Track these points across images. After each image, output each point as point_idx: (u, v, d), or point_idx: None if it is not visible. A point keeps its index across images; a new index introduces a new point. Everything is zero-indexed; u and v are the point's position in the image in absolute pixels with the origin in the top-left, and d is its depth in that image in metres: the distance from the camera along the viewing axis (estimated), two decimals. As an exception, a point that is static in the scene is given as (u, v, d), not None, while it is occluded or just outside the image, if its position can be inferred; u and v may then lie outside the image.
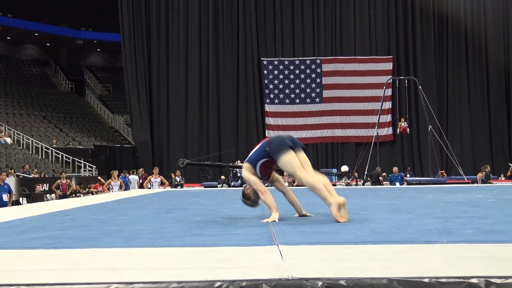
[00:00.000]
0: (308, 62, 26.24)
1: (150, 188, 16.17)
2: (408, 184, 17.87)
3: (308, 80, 26.18)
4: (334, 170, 21.71)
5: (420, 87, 22.11)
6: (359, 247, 2.97)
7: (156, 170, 17.47)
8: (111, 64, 38.25)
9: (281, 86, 26.22)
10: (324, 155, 26.40)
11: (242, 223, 4.55)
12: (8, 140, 24.51)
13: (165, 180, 17.29)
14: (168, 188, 16.34)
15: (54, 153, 24.66)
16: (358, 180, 19.47)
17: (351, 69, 26.00)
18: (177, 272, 2.27)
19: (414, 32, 26.24)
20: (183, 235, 3.77)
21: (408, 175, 22.07)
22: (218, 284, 2.08)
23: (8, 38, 37.02)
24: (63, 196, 15.68)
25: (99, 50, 39.58)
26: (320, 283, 2.08)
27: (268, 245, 3.07)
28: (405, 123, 22.72)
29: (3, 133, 24.88)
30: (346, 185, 17.64)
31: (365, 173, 20.02)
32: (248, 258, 2.65)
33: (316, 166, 25.15)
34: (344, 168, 19.54)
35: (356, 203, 7.07)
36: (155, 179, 16.93)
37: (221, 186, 17.09)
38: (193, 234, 3.80)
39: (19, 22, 35.78)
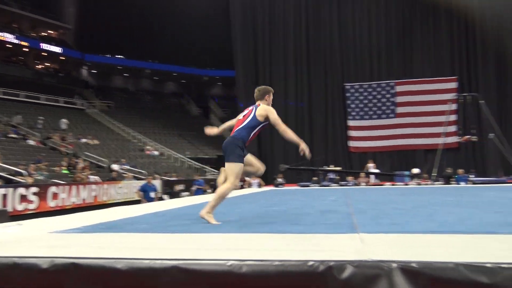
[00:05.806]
0: (383, 85, 25.33)
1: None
2: (473, 184, 16.54)
3: (383, 100, 25.27)
4: (407, 172, 20.60)
5: (482, 101, 20.44)
6: (429, 236, 2.81)
7: None
8: (228, 94, 39.48)
9: (361, 105, 25.54)
10: (398, 161, 25.21)
11: (330, 215, 4.48)
12: (155, 152, 26.14)
13: (262, 182, 17.46)
14: (271, 187, 16.47)
15: (187, 162, 25.87)
16: (428, 180, 18.34)
17: (420, 89, 24.64)
18: (279, 253, 2.27)
19: (475, 54, 24.31)
20: (284, 224, 3.79)
21: (472, 176, 20.41)
22: (311, 263, 2.07)
23: (155, 78, 39.80)
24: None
25: (219, 83, 41.14)
26: (394, 265, 2.00)
27: (351, 233, 3.00)
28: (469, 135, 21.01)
29: (152, 147, 26.59)
30: (417, 185, 16.69)
31: (434, 174, 18.78)
32: (335, 243, 2.61)
33: (392, 170, 24.09)
34: (415, 170, 18.55)
35: (426, 199, 6.69)
36: (254, 180, 17.20)
37: (314, 186, 16.91)
38: (292, 223, 3.80)
39: (162, 66, 38.69)
